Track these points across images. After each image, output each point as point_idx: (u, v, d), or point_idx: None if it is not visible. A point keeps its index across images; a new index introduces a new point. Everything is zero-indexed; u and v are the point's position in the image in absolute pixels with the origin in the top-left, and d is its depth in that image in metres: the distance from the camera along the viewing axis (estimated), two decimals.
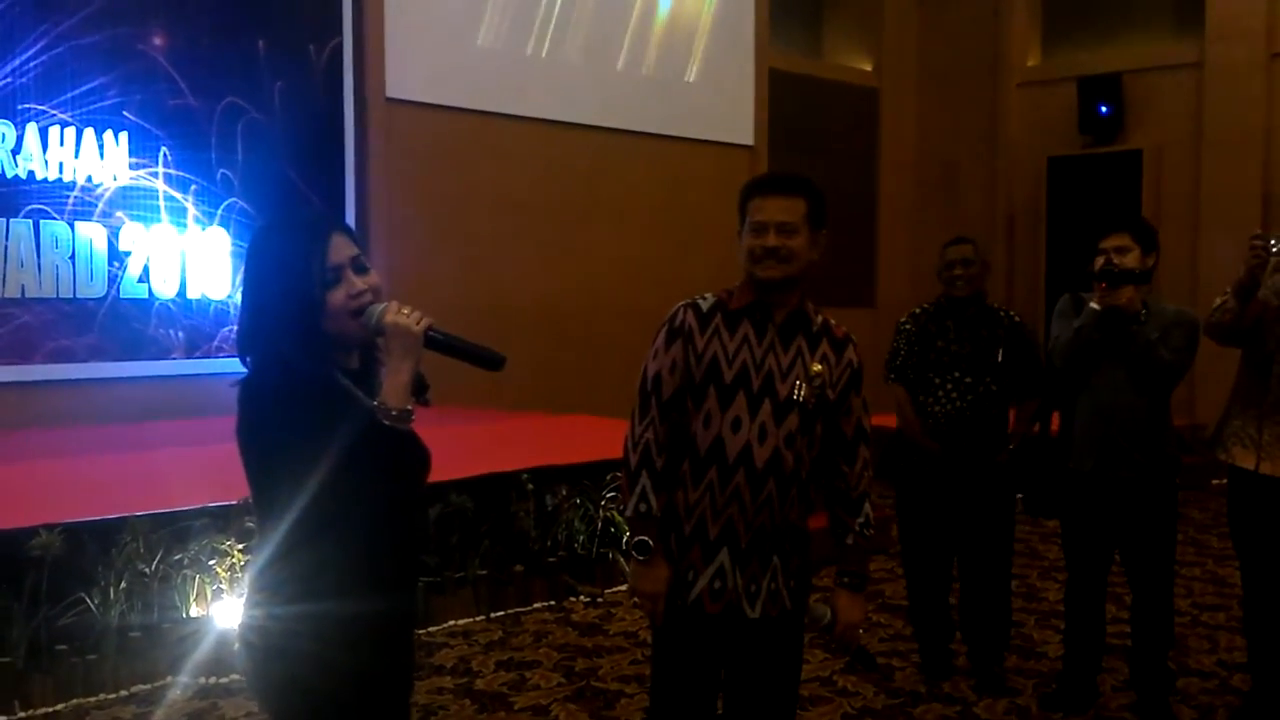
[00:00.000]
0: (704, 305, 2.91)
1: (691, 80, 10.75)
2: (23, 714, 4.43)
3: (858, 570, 2.98)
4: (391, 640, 2.44)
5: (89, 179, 7.46)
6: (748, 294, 2.88)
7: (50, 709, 4.48)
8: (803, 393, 2.83)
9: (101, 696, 4.59)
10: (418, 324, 2.22)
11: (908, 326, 4.87)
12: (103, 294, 7.51)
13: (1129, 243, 4.21)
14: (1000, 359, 4.67)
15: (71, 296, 7.40)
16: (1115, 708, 4.54)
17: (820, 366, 2.87)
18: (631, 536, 2.90)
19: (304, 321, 2.23)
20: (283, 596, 2.47)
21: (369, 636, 2.40)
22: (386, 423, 2.21)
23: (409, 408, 2.22)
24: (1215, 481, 7.94)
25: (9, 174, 7.17)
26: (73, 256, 7.39)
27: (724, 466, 2.83)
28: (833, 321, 2.96)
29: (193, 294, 7.87)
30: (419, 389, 2.25)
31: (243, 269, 2.35)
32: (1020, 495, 4.71)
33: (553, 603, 5.96)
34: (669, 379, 2.88)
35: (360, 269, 2.28)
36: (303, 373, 2.25)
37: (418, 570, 2.48)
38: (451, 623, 5.57)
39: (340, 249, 2.26)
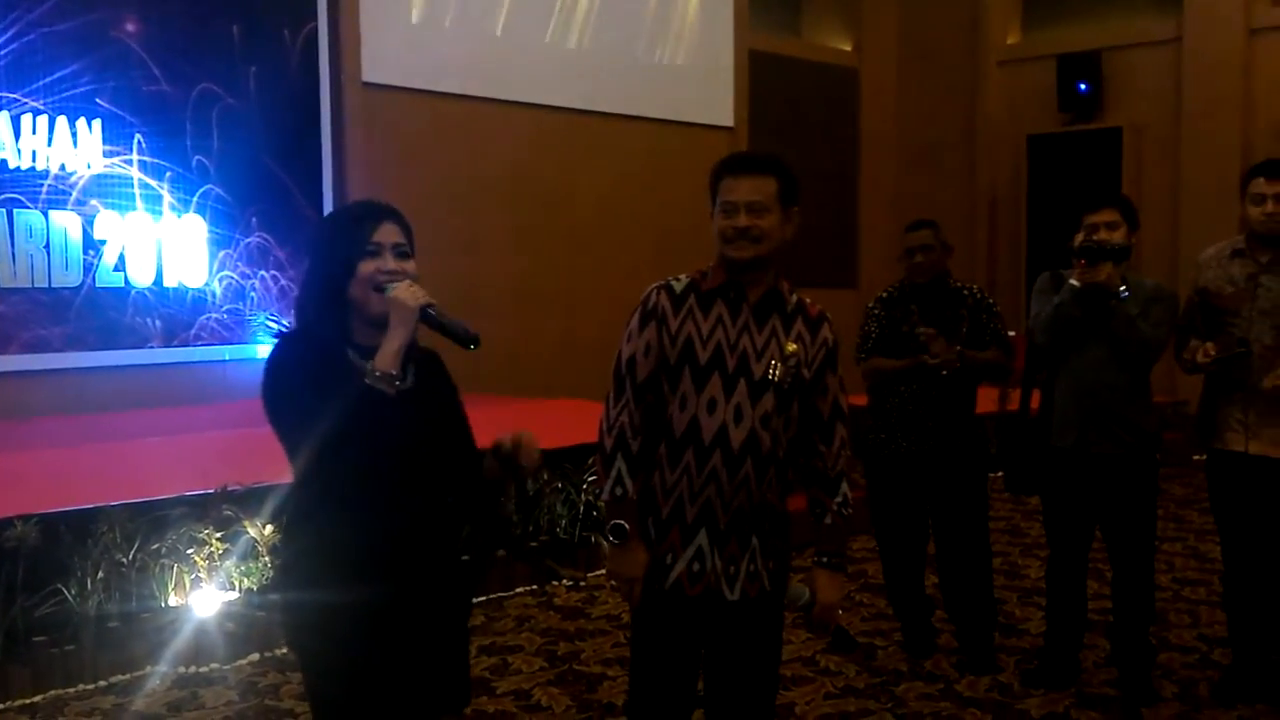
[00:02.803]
0: (677, 286, 2.89)
1: (671, 61, 10.70)
2: (0, 705, 4.39)
3: (836, 550, 2.97)
4: (377, 632, 2.41)
5: (62, 167, 7.39)
6: (721, 274, 2.86)
7: (28, 700, 4.45)
8: (778, 373, 2.82)
9: (80, 687, 4.56)
10: (414, 300, 2.34)
11: (876, 310, 4.87)
12: (78, 283, 7.45)
13: (1118, 219, 4.22)
14: (964, 339, 4.67)
15: (47, 286, 7.33)
16: (1097, 684, 4.55)
17: (795, 346, 2.85)
18: (607, 520, 2.88)
19: (330, 285, 2.41)
20: (274, 584, 2.49)
21: (349, 628, 2.38)
22: (368, 381, 2.30)
23: (393, 373, 2.31)
24: (1196, 457, 7.97)
25: None
26: (47, 245, 7.33)
27: (700, 448, 2.81)
28: (808, 300, 2.94)
29: (169, 282, 7.81)
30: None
31: None
32: (1000, 473, 4.71)
33: (535, 587, 5.94)
34: (643, 361, 2.86)
35: (401, 255, 2.43)
36: (315, 340, 2.39)
37: (415, 560, 2.45)
38: None
39: (388, 233, 2.42)
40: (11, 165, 7.20)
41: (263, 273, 8.20)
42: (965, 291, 4.79)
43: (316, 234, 2.59)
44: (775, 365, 2.82)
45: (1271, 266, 4.16)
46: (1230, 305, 4.20)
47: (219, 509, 5.01)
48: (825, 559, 2.95)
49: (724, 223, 2.82)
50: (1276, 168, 4.14)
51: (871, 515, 5.05)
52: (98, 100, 7.52)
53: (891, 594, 5.08)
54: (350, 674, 2.40)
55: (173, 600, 4.88)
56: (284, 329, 2.48)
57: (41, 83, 7.32)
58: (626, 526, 2.83)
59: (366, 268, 2.38)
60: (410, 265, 2.44)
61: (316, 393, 2.29)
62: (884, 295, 4.91)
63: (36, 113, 7.29)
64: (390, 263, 2.40)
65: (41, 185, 7.32)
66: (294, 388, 2.34)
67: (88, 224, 7.48)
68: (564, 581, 6.02)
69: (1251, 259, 4.21)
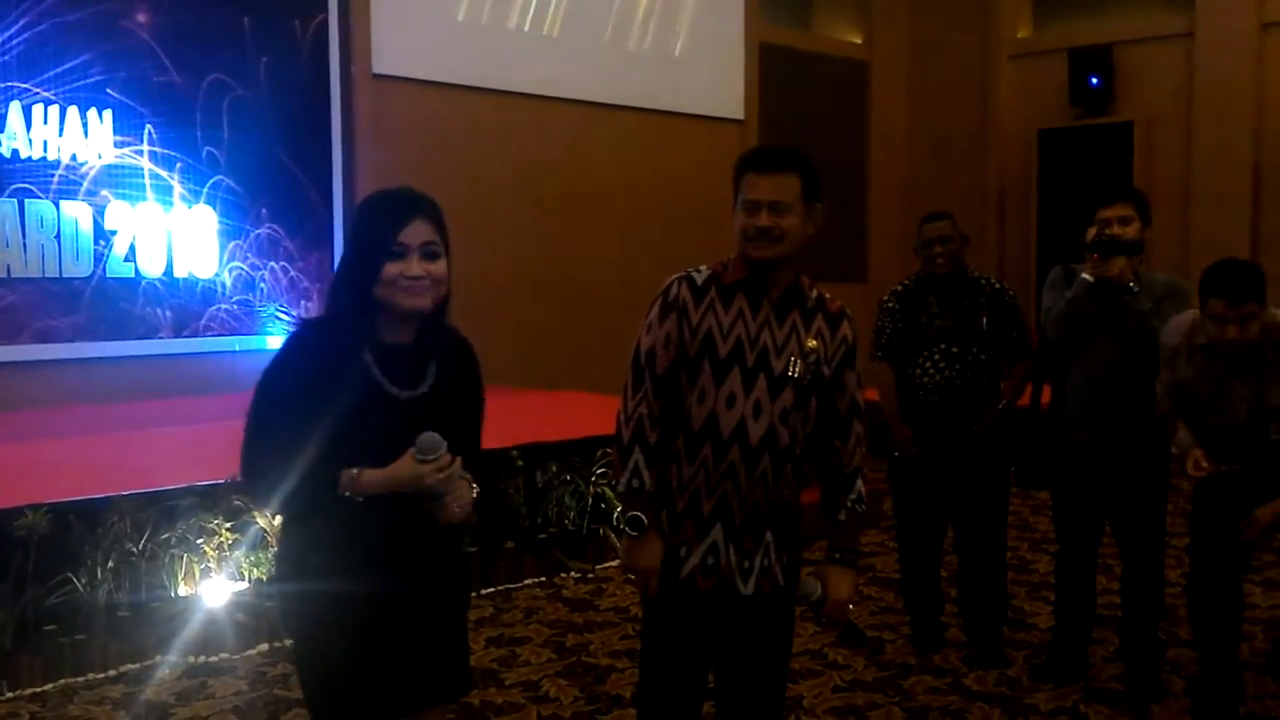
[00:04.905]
0: (698, 278, 2.87)
1: (681, 54, 10.68)
2: (10, 694, 4.41)
3: (849, 546, 2.96)
4: (382, 624, 2.42)
5: (73, 157, 7.41)
6: (742, 268, 2.84)
7: (38, 689, 4.46)
8: (797, 369, 2.81)
9: (90, 676, 4.57)
10: (427, 478, 2.39)
11: (891, 304, 4.86)
12: (89, 273, 7.46)
13: (1131, 213, 4.21)
14: (984, 327, 4.66)
15: (58, 276, 7.35)
16: (1105, 678, 4.54)
17: (815, 342, 2.84)
18: (624, 512, 2.86)
19: (355, 281, 2.37)
20: (276, 575, 2.50)
21: (350, 619, 2.39)
22: (340, 491, 2.34)
23: (359, 499, 2.35)
24: None
25: None
26: (58, 236, 7.34)
27: (718, 442, 2.81)
28: (828, 296, 2.93)
29: (180, 273, 7.82)
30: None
31: None
32: (1012, 468, 4.70)
33: (543, 579, 5.95)
34: (663, 353, 2.84)
35: (429, 256, 2.38)
36: (335, 335, 2.37)
37: (416, 552, 2.47)
38: None
39: (417, 232, 2.36)
40: (23, 155, 7.21)
41: (272, 264, 8.20)
42: (983, 281, 4.77)
43: (352, 223, 2.51)
44: (795, 361, 2.81)
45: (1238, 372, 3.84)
46: (1205, 402, 3.92)
47: (229, 499, 5.01)
48: (838, 555, 2.95)
49: (746, 221, 2.79)
50: (1237, 290, 3.63)
51: (894, 511, 5.05)
52: (108, 90, 7.53)
53: (905, 588, 5.07)
54: (351, 664, 2.42)
55: (182, 590, 4.89)
56: (306, 317, 2.49)
57: (52, 73, 7.33)
58: (643, 518, 2.83)
59: (391, 270, 2.34)
60: (438, 267, 2.39)
61: (311, 400, 2.31)
62: (899, 289, 4.89)
63: (47, 103, 7.30)
64: (415, 266, 2.35)
65: (52, 175, 7.33)
66: (285, 392, 2.36)
67: (98, 214, 7.49)
68: (572, 573, 6.02)
69: (1218, 360, 3.85)
